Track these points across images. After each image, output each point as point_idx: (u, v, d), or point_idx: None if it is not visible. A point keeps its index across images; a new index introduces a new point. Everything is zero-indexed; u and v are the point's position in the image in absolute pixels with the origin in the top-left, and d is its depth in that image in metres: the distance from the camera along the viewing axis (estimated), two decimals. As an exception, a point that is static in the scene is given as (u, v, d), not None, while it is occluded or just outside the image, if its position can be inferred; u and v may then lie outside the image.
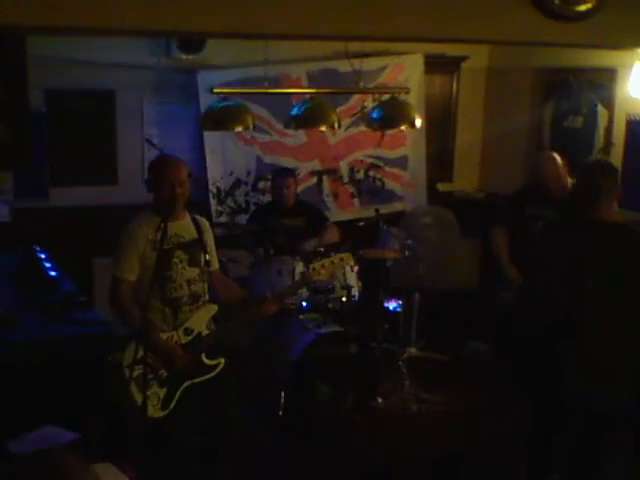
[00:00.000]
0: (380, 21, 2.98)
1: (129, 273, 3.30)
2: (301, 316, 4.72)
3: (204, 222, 3.56)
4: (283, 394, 4.36)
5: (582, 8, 3.14)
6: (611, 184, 3.23)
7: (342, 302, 4.74)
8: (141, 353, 3.09)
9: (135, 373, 3.16)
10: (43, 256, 4.52)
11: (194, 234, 3.43)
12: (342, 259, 3.76)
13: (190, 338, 3.36)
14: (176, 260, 3.34)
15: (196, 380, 3.37)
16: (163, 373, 3.30)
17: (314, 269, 3.65)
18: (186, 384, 3.34)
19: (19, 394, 3.45)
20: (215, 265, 3.59)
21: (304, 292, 4.71)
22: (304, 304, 4.74)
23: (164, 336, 3.31)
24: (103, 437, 3.35)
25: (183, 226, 3.41)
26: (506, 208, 4.89)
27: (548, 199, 4.44)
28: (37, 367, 3.54)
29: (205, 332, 3.40)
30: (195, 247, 3.42)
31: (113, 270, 3.34)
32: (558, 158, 4.56)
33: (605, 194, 3.18)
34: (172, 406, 3.32)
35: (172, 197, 3.29)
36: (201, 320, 3.40)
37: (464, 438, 4.23)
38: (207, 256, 3.45)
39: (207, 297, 3.49)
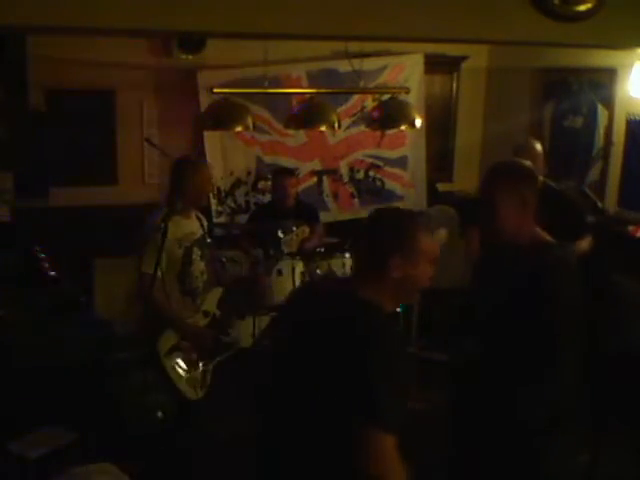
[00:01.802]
0: (380, 21, 2.98)
1: (153, 268, 3.43)
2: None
3: (202, 217, 3.86)
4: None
5: (582, 8, 3.14)
6: (532, 192, 2.59)
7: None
8: (174, 341, 3.45)
9: (172, 361, 3.45)
10: (43, 256, 4.52)
11: (200, 229, 3.72)
12: (303, 231, 4.51)
13: (208, 320, 3.66)
14: (195, 256, 3.63)
15: (221, 358, 3.66)
16: (194, 356, 3.53)
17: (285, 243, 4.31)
18: (214, 363, 3.62)
19: (19, 394, 3.45)
20: None
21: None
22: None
23: (189, 321, 3.59)
24: (103, 437, 3.36)
25: (193, 223, 3.69)
26: (477, 206, 4.74)
27: None
28: (37, 367, 3.54)
29: (218, 313, 3.70)
30: (204, 242, 3.72)
31: (139, 266, 3.51)
32: (539, 146, 4.45)
33: (525, 205, 2.58)
34: (208, 385, 3.58)
35: (208, 194, 3.79)
36: (212, 302, 3.71)
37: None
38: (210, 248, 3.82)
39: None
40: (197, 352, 3.53)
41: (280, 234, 4.55)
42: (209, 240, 3.88)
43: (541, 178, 4.30)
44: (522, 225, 2.58)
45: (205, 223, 3.83)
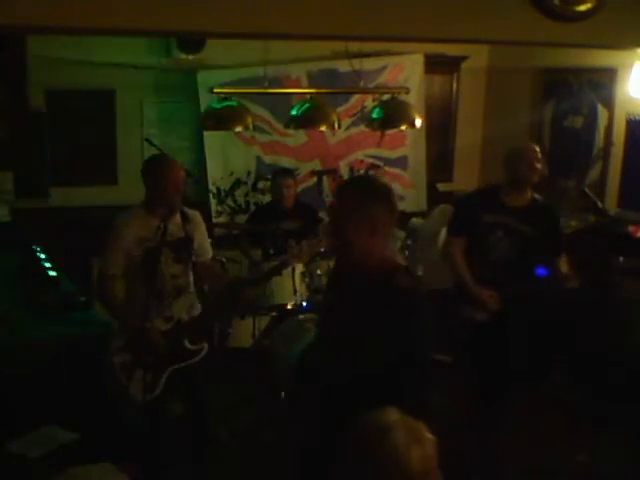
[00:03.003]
0: (380, 21, 2.98)
1: (113, 268, 3.42)
2: (301, 316, 4.71)
3: (194, 216, 3.62)
4: (283, 394, 4.36)
5: (582, 8, 3.14)
6: (383, 214, 2.40)
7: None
8: (125, 341, 3.36)
9: (120, 359, 3.37)
10: (43, 256, 4.52)
11: (181, 232, 3.50)
12: (320, 241, 3.94)
13: (170, 325, 3.48)
14: (162, 258, 3.42)
15: (181, 365, 3.48)
16: (147, 359, 3.38)
17: (293, 254, 3.78)
18: (171, 369, 3.45)
19: (19, 394, 3.45)
20: (205, 256, 3.69)
21: (304, 292, 4.71)
22: (304, 304, 4.74)
23: (147, 324, 3.39)
24: (103, 437, 3.36)
25: (172, 224, 3.46)
26: (463, 216, 4.17)
27: (503, 205, 3.96)
28: (37, 367, 3.54)
29: (185, 318, 3.52)
30: (182, 244, 3.50)
31: (99, 264, 3.47)
32: (538, 150, 4.04)
33: (375, 228, 2.38)
34: (158, 391, 3.42)
35: (176, 198, 3.42)
36: (181, 308, 3.52)
37: (464, 438, 4.22)
38: (193, 251, 3.55)
39: (191, 288, 3.61)
40: (150, 355, 3.38)
41: (291, 243, 4.35)
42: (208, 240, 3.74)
43: (529, 194, 4.05)
44: (371, 248, 2.41)
45: (196, 221, 3.60)
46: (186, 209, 3.59)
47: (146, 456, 3.45)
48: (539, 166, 3.93)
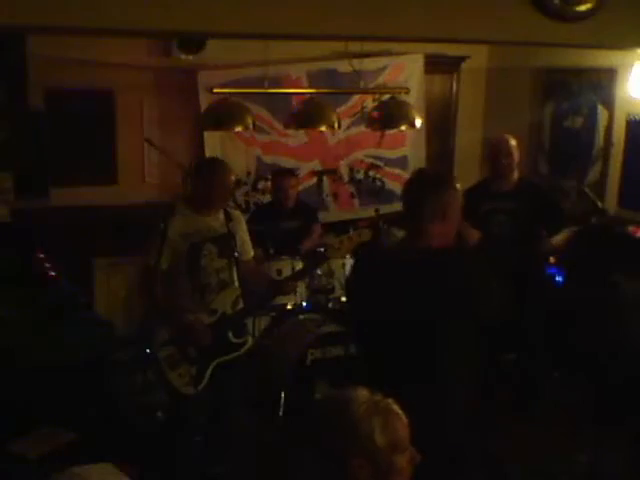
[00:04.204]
0: (380, 21, 2.98)
1: (155, 261, 3.48)
2: (301, 316, 4.71)
3: (237, 216, 3.81)
4: (283, 394, 4.36)
5: (582, 8, 3.14)
6: (437, 199, 2.64)
7: (342, 302, 4.74)
8: (169, 335, 3.45)
9: (165, 353, 3.45)
10: (43, 256, 4.52)
11: (224, 228, 3.65)
12: (360, 235, 3.85)
13: (215, 318, 3.57)
14: (205, 252, 3.58)
15: (225, 358, 3.57)
16: (192, 352, 3.49)
17: (332, 246, 3.76)
18: (216, 362, 3.54)
19: (19, 394, 3.45)
20: (247, 255, 3.82)
21: (304, 292, 4.71)
22: (304, 304, 4.74)
23: (191, 317, 3.51)
24: (103, 437, 3.36)
25: (215, 221, 3.64)
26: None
27: (494, 193, 4.40)
28: (37, 367, 3.54)
29: (230, 312, 3.61)
30: (225, 240, 3.63)
31: (143, 259, 3.56)
32: (512, 140, 4.54)
33: (432, 212, 2.62)
34: (204, 384, 3.51)
35: (223, 200, 3.64)
36: (225, 301, 3.62)
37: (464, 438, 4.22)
38: (236, 247, 3.67)
39: (236, 283, 3.70)
40: (195, 348, 3.50)
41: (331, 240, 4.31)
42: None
43: (516, 175, 4.40)
44: (444, 232, 2.68)
45: (238, 221, 3.76)
46: (229, 208, 3.77)
47: (146, 456, 3.45)
48: (516, 155, 4.37)
